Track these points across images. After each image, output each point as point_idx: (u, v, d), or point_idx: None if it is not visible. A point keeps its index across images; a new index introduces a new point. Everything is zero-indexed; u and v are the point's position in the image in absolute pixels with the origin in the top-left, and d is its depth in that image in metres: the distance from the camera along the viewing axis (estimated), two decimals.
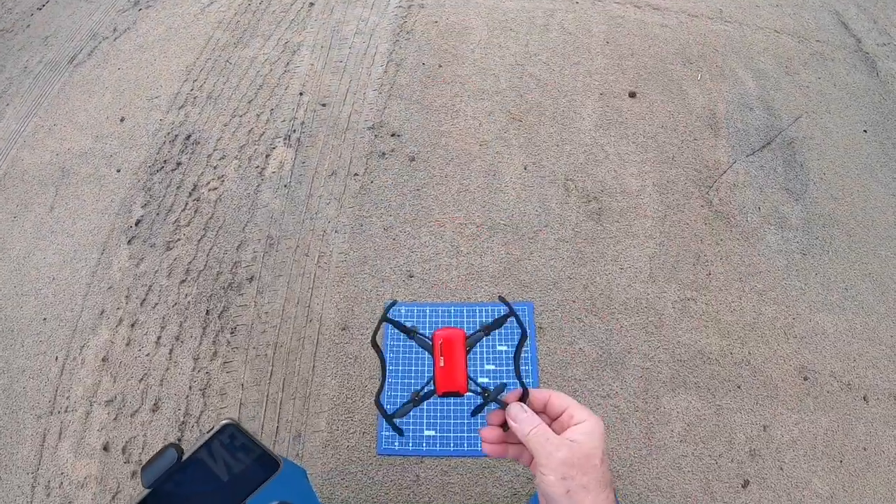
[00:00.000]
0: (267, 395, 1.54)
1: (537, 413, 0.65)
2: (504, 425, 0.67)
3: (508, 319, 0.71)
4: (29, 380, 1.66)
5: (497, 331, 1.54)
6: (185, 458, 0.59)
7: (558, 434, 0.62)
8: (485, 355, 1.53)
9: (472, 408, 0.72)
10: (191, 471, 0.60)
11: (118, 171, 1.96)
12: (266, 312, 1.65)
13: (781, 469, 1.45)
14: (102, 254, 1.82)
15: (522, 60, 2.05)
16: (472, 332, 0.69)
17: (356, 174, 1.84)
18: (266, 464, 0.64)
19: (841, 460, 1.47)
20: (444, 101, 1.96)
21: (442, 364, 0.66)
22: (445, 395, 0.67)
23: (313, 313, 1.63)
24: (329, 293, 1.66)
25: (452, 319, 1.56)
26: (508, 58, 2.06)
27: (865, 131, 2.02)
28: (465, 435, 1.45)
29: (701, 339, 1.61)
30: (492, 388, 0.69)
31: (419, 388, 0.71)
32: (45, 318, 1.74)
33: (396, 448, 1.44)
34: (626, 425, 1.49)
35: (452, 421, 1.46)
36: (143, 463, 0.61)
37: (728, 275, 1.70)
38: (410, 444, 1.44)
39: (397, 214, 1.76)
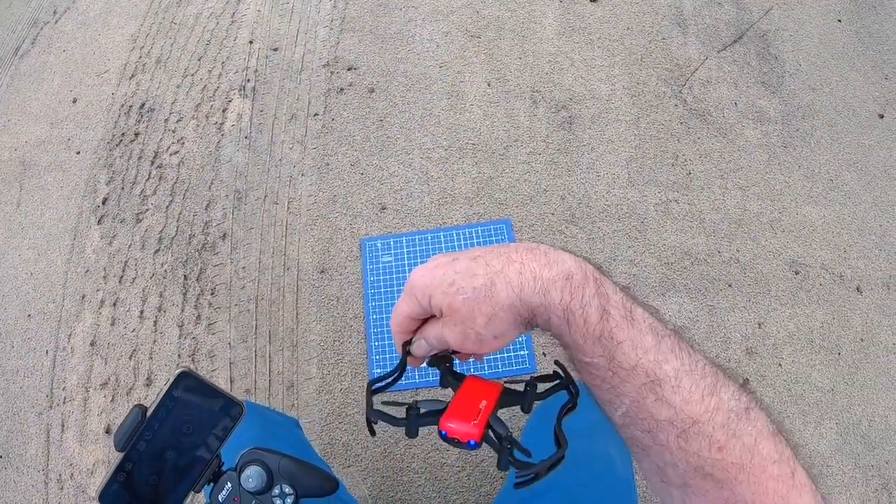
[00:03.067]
0: (255, 350, 1.52)
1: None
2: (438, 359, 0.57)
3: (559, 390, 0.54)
4: (24, 378, 1.66)
5: None
6: (149, 414, 0.58)
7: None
8: None
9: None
10: (158, 426, 0.59)
11: (78, 153, 1.91)
12: (243, 268, 1.61)
13: (780, 365, 1.43)
14: (75, 239, 1.79)
15: None
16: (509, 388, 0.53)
17: (316, 114, 1.78)
18: (230, 408, 0.63)
19: (839, 353, 1.45)
20: (398, 27, 1.88)
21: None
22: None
23: (290, 261, 1.59)
24: (303, 238, 1.62)
25: (430, 246, 1.52)
26: None
27: (840, 21, 1.94)
28: (457, 361, 1.43)
29: (687, 240, 1.57)
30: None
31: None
32: (29, 315, 1.72)
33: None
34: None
35: None
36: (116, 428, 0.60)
37: (709, 173, 1.65)
38: (402, 378, 1.42)
39: (363, 148, 1.70)
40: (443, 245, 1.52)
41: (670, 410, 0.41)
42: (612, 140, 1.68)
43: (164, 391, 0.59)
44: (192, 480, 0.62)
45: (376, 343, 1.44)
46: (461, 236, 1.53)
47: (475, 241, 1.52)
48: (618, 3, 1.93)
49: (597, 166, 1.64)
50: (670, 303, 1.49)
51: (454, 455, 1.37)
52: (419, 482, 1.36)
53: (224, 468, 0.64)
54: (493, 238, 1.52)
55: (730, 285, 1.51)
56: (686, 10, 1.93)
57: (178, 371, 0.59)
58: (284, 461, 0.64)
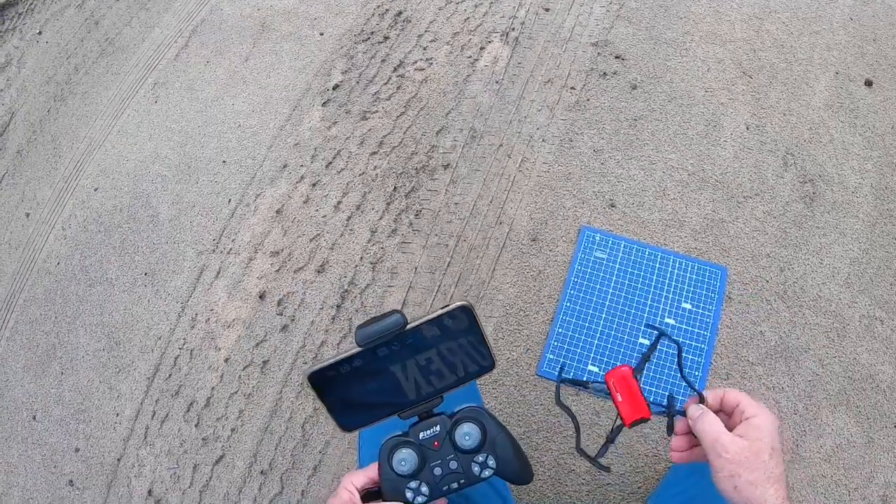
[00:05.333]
0: (439, 286, 1.53)
1: (715, 412, 0.67)
2: (691, 432, 0.69)
3: (661, 341, 0.74)
4: (197, 216, 1.71)
5: (684, 287, 1.48)
6: (409, 326, 0.57)
7: (731, 430, 0.64)
8: (667, 309, 1.45)
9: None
10: (409, 341, 0.58)
11: (321, 34, 1.95)
12: (456, 203, 1.62)
13: None
14: (294, 110, 1.83)
15: (761, 13, 1.87)
16: (635, 363, 0.72)
17: (572, 88, 1.75)
18: (481, 359, 0.62)
19: None
20: (673, 35, 1.82)
21: (620, 399, 0.69)
22: (634, 424, 0.69)
23: (505, 216, 1.59)
24: (525, 200, 1.61)
25: (645, 261, 1.49)
26: (746, 7, 1.88)
27: None
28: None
29: (876, 364, 1.47)
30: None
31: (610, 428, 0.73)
32: (224, 161, 1.78)
33: (557, 374, 1.41)
34: (780, 425, 1.40)
35: (619, 361, 1.41)
36: (361, 322, 0.59)
37: None
38: (572, 375, 1.40)
39: (609, 139, 1.67)
40: (657, 264, 1.48)
41: None
42: (844, 233, 1.60)
43: (435, 313, 0.58)
44: (404, 406, 0.62)
45: (560, 330, 1.43)
46: (677, 265, 1.49)
47: (688, 275, 1.47)
48: (891, 97, 1.81)
49: (822, 253, 1.56)
50: (838, 418, 1.41)
51: (585, 466, 1.35)
52: (541, 479, 1.35)
53: (438, 410, 0.63)
54: (706, 280, 1.47)
55: None
56: None
57: (460, 303, 0.58)
58: (502, 435, 0.63)
